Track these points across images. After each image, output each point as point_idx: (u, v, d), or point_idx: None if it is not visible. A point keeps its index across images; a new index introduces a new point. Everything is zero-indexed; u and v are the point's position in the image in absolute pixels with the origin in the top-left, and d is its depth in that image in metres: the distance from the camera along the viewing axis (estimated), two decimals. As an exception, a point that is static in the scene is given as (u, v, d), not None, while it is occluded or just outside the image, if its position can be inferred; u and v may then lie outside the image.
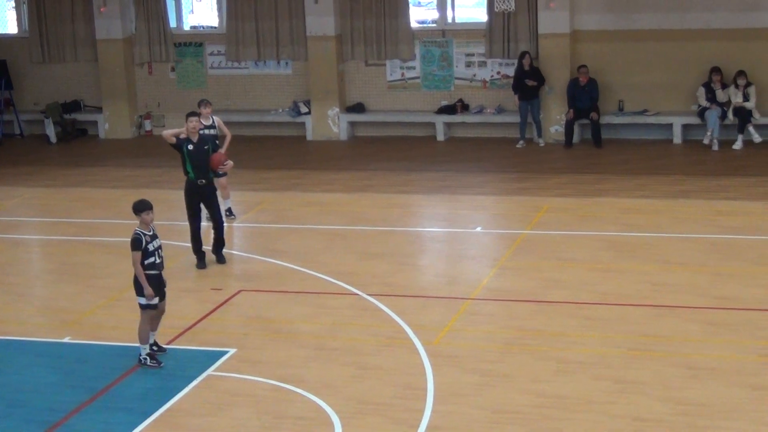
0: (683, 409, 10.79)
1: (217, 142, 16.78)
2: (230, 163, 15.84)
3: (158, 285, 12.29)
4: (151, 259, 12.21)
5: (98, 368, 12.37)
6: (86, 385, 11.90)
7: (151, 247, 12.22)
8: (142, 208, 12.31)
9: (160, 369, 12.18)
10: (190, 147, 15.50)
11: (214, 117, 17.74)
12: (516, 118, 23.57)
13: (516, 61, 23.52)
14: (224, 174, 17.12)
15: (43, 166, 23.09)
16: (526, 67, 22.98)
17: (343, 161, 22.62)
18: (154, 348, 12.46)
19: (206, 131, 16.97)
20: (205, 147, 15.56)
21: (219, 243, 15.93)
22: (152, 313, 12.31)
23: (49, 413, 11.27)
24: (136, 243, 12.15)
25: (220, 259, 15.90)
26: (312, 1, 24.19)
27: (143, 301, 12.21)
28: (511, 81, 23.68)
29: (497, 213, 18.64)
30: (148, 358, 12.25)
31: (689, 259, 15.45)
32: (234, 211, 18.19)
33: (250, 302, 14.47)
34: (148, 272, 12.16)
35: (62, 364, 12.56)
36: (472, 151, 22.91)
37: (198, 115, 15.95)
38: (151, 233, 12.29)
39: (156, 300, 12.24)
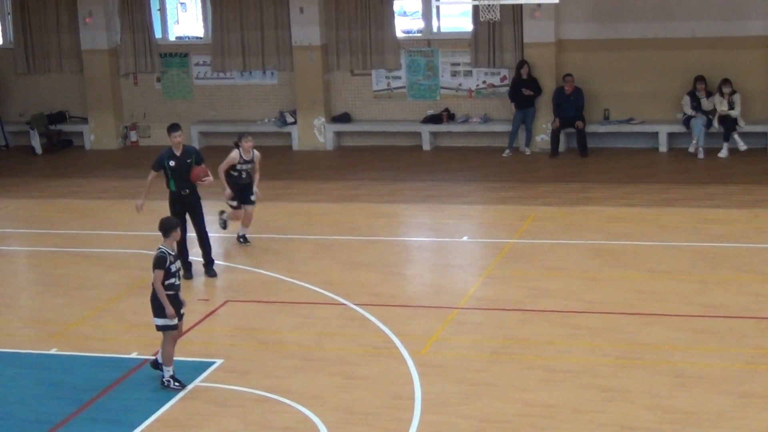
0: (670, 417, 10.81)
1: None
2: (210, 178, 15.67)
3: (176, 306, 11.99)
4: (172, 280, 11.91)
5: (85, 380, 12.33)
6: (73, 396, 11.87)
7: (173, 268, 11.95)
8: (172, 226, 12.10)
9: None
10: (173, 163, 15.40)
11: (254, 151, 17.03)
12: (502, 127, 23.64)
13: (500, 70, 23.70)
14: (252, 203, 17.14)
15: (29, 178, 23.04)
16: (524, 76, 23.04)
17: (330, 171, 22.62)
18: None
19: (245, 166, 16.89)
20: (188, 161, 15.49)
21: (208, 261, 15.89)
22: (174, 334, 12.08)
23: (36, 425, 11.24)
24: (161, 261, 11.78)
25: (211, 273, 15.86)
26: (298, 11, 24.21)
27: (160, 322, 11.93)
28: (498, 90, 23.79)
29: (483, 222, 18.67)
30: (171, 380, 11.93)
31: (675, 267, 15.49)
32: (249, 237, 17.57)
33: (236, 313, 14.46)
34: (167, 292, 11.85)
35: (49, 376, 12.52)
36: (458, 161, 22.94)
37: (181, 128, 15.77)
38: (174, 253, 12.09)
39: (176, 320, 11.98)
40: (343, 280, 15.48)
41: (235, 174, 16.88)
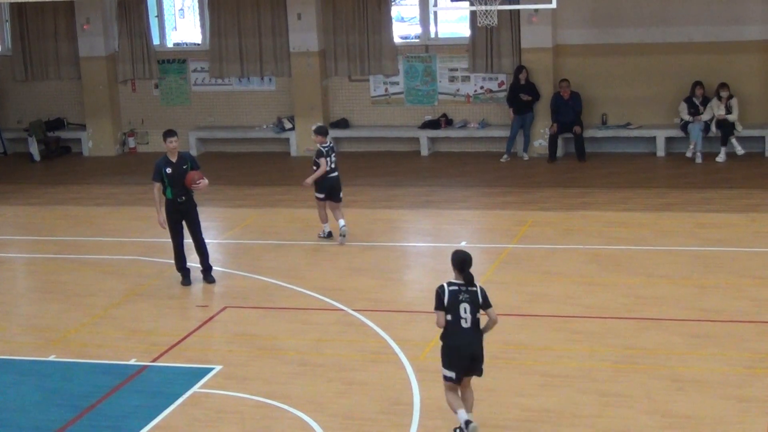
0: (669, 422, 10.81)
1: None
2: (205, 181, 15.59)
3: None
4: None
5: (84, 386, 12.33)
6: (72, 403, 11.86)
7: None
8: None
9: (144, 388, 12.00)
10: (169, 170, 15.37)
11: None
12: (500, 132, 23.65)
13: (498, 76, 23.75)
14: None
15: (27, 184, 23.03)
16: (522, 82, 23.06)
17: (328, 177, 22.58)
18: None
19: None
20: (184, 167, 15.47)
21: (205, 267, 15.86)
22: None
23: (35, 432, 11.26)
24: None
25: (209, 280, 15.84)
26: (295, 17, 24.22)
27: None
28: (496, 95, 23.83)
29: (482, 227, 18.67)
30: None
31: (673, 271, 15.49)
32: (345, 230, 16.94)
33: (235, 319, 14.45)
34: None
35: (47, 383, 12.52)
36: (456, 166, 22.95)
37: (176, 134, 15.74)
38: None
39: None
40: (341, 285, 15.48)
41: None
